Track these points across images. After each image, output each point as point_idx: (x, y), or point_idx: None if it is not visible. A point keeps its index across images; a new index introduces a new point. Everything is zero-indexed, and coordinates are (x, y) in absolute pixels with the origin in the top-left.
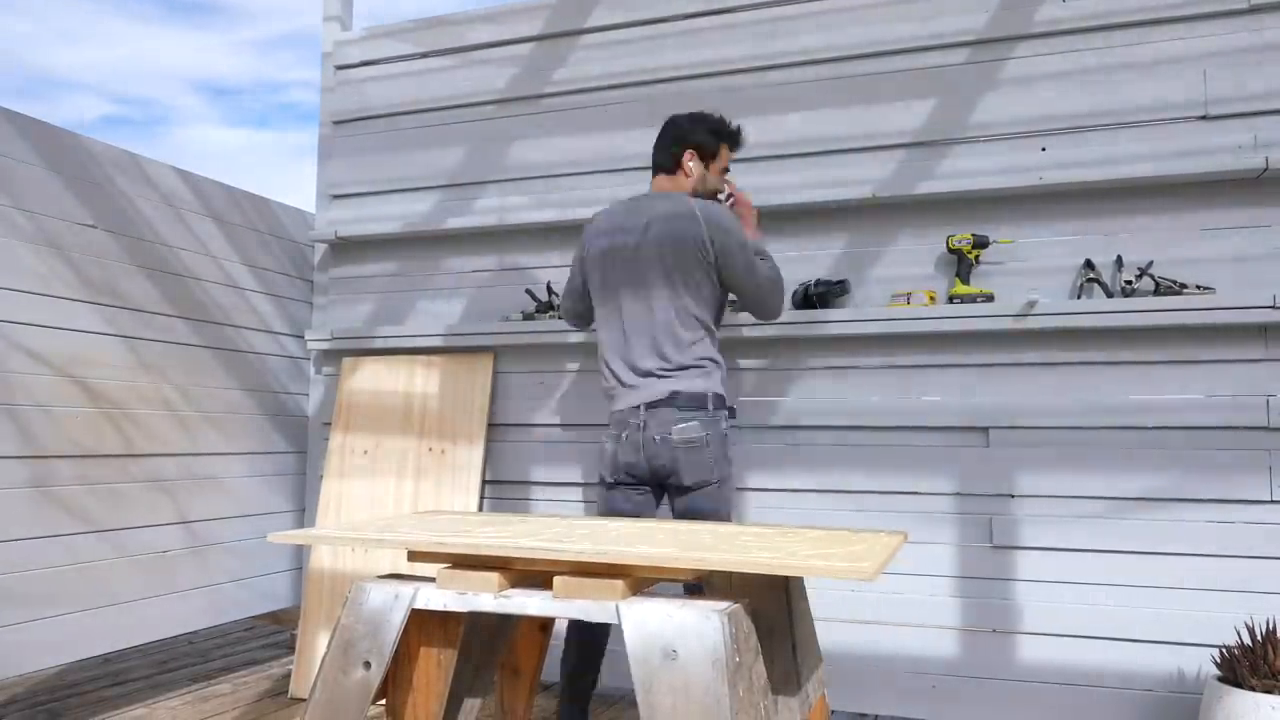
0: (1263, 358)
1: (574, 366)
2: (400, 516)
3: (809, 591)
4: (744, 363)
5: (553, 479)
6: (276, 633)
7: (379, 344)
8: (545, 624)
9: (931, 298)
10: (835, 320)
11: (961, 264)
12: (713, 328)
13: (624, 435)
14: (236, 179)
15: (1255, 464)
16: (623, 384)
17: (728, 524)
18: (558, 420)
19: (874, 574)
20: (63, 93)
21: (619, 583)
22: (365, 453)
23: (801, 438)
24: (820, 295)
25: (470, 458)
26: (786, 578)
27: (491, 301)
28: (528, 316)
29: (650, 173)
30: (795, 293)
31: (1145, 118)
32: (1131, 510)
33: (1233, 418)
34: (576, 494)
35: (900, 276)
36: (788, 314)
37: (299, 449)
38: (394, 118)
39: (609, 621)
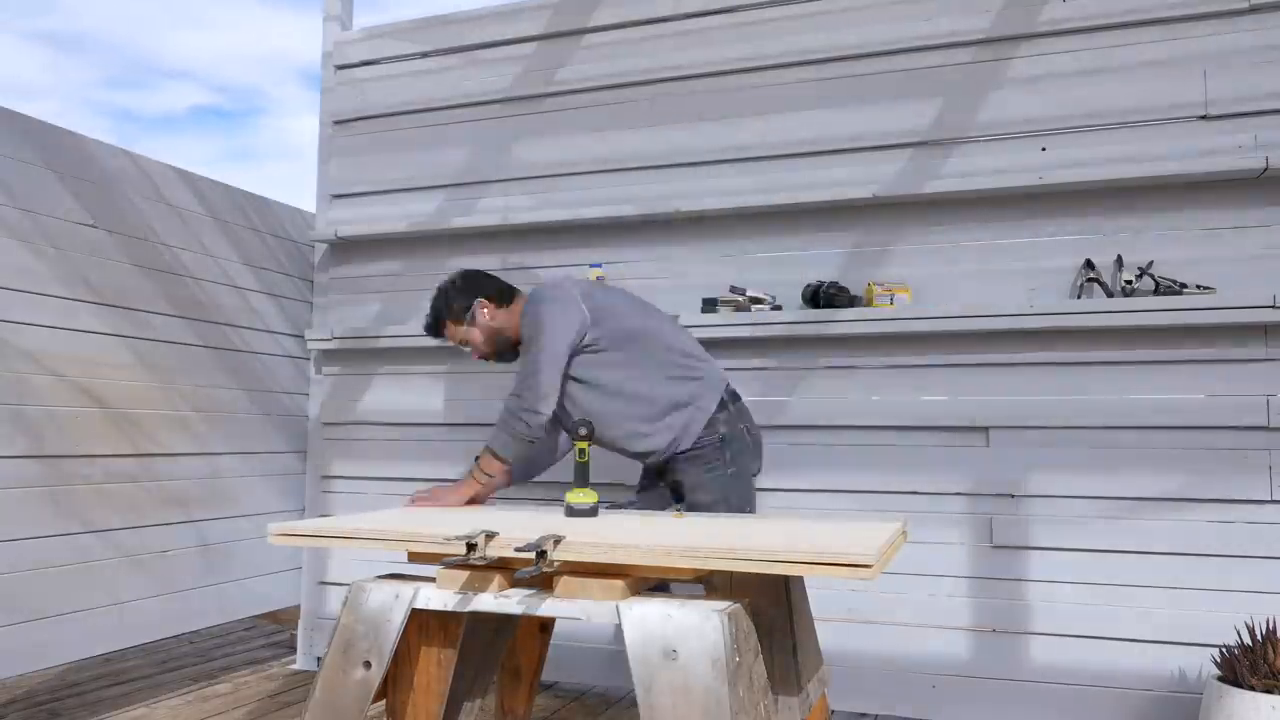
0: (1263, 358)
1: None
2: (398, 512)
3: (809, 591)
4: (747, 364)
5: (553, 478)
6: (277, 632)
7: (381, 344)
8: (545, 624)
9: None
10: (837, 320)
11: None
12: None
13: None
14: (300, 174)
15: (1255, 464)
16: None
17: (739, 515)
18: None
19: (875, 574)
20: (161, 80)
21: (619, 583)
22: None
23: (803, 438)
24: (830, 297)
25: None
26: (787, 577)
27: None
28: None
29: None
30: (804, 293)
31: (1145, 118)
32: (1131, 510)
33: (1233, 418)
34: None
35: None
36: (790, 314)
37: (299, 449)
38: (395, 117)
39: (610, 621)
